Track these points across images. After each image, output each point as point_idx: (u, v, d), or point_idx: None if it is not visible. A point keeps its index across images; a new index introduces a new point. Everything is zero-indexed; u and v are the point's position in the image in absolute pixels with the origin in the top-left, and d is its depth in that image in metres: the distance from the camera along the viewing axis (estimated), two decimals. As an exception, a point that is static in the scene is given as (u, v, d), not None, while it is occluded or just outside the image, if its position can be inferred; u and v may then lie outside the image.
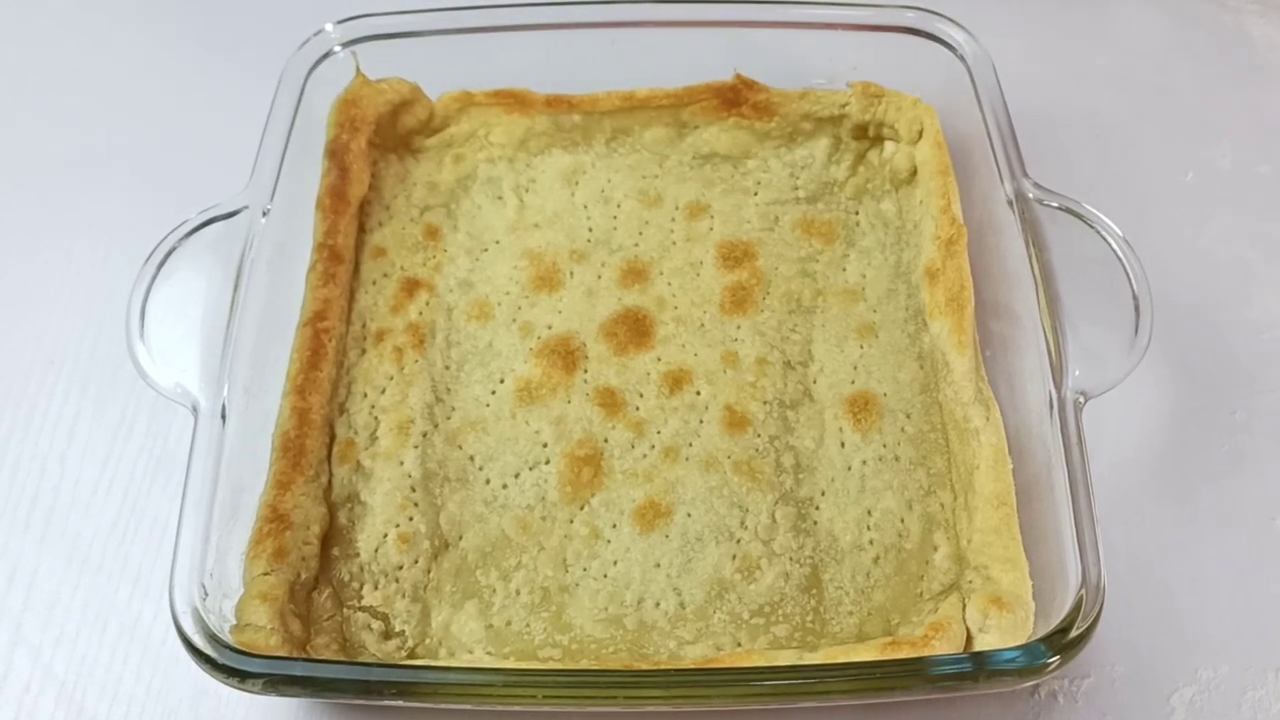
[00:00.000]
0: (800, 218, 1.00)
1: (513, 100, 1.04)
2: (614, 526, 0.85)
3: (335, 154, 0.97)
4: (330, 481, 0.86)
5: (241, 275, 0.87)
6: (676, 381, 0.91)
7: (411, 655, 0.80)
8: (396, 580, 0.82)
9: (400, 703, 0.71)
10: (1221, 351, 0.98)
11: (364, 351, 0.92)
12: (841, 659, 0.74)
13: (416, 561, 0.83)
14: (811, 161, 1.03)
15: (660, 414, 0.89)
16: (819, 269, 0.97)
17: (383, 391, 0.90)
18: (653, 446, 0.88)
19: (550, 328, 0.94)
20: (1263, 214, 1.06)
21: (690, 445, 0.88)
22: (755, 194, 1.02)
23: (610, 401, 0.90)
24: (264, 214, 0.91)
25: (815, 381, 0.91)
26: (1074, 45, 1.20)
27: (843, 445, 0.88)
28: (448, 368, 0.92)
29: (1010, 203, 0.90)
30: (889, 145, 1.03)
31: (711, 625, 0.80)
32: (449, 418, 0.90)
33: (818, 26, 1.02)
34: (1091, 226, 0.87)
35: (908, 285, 0.96)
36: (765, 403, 0.90)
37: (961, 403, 0.86)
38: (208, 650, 0.71)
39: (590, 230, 1.00)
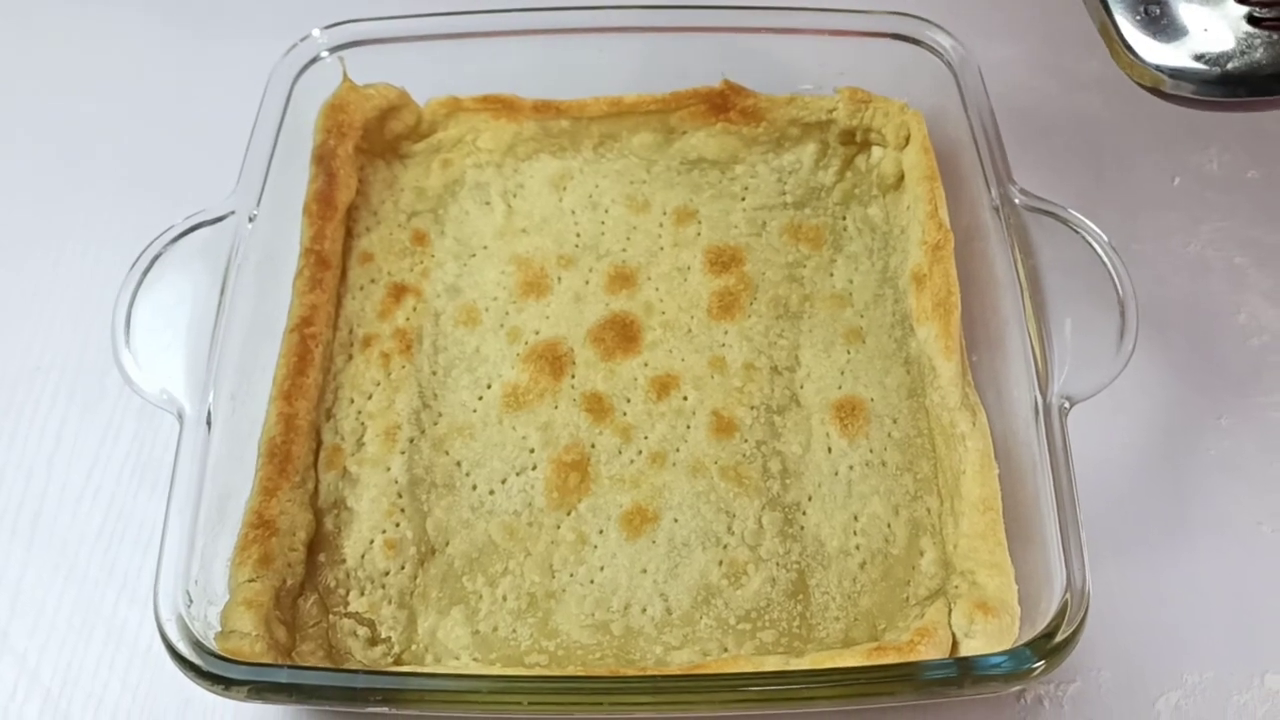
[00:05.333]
0: (788, 223, 1.00)
1: (501, 105, 1.04)
2: (601, 532, 0.85)
3: (322, 159, 0.97)
4: (316, 487, 0.86)
5: (228, 281, 0.87)
6: (664, 387, 0.91)
7: (398, 662, 0.79)
8: (383, 586, 0.82)
9: (386, 709, 0.71)
10: (1209, 357, 0.98)
11: (351, 357, 0.92)
12: (828, 664, 0.74)
13: (403, 567, 0.83)
14: (799, 167, 1.03)
15: (647, 419, 0.89)
16: (806, 274, 0.97)
17: (370, 397, 0.90)
18: (640, 452, 0.88)
19: (538, 333, 0.94)
20: (1251, 219, 1.06)
21: (677, 450, 0.88)
22: (743, 199, 1.02)
23: (598, 407, 0.90)
24: (250, 219, 0.90)
25: (802, 386, 0.91)
26: (1062, 50, 1.20)
27: (829, 450, 0.88)
28: (435, 373, 0.92)
29: (996, 208, 0.90)
30: (876, 150, 1.03)
31: (698, 631, 0.80)
32: (436, 423, 0.90)
33: (805, 32, 1.03)
34: (1077, 232, 0.87)
35: (895, 290, 0.96)
36: (752, 408, 0.90)
37: (948, 408, 0.86)
38: (192, 658, 0.71)
39: (578, 236, 1.00)
